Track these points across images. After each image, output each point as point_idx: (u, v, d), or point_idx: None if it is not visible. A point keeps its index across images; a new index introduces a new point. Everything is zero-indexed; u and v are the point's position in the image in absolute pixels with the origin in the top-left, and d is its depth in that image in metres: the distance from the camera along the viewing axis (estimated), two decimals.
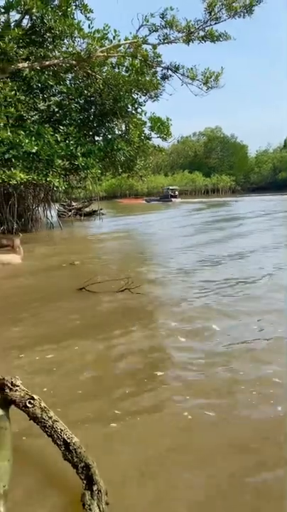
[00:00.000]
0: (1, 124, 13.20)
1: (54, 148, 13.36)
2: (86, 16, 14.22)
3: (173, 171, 76.56)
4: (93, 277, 6.44)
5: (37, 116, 14.94)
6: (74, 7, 14.05)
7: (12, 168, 13.21)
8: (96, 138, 16.77)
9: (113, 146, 14.97)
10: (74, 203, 25.13)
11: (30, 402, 2.18)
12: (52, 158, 13.33)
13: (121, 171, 17.74)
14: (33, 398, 2.19)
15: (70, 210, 23.85)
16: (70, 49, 14.33)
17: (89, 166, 14.14)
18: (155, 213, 30.23)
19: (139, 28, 14.38)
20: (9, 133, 13.08)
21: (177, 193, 49.51)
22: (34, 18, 14.21)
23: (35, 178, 13.58)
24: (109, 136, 16.22)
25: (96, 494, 1.78)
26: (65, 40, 14.49)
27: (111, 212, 26.93)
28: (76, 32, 13.79)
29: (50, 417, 2.11)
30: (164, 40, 14.26)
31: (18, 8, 14.12)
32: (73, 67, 14.48)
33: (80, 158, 13.78)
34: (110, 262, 9.11)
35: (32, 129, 13.90)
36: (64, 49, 14.67)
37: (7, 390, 2.29)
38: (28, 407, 2.17)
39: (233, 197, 56.29)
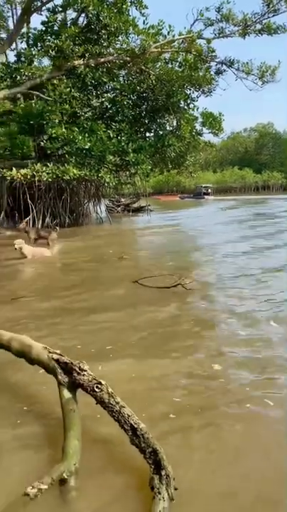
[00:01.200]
0: (56, 121, 13.59)
1: (106, 144, 13.59)
2: (141, 12, 14.31)
3: (222, 168, 75.37)
4: (145, 271, 6.50)
5: (90, 113, 15.22)
6: (129, 4, 14.16)
7: (66, 164, 13.59)
8: (147, 134, 16.83)
9: (164, 142, 15.00)
10: (122, 199, 25.46)
11: (97, 387, 2.25)
12: (104, 154, 13.56)
13: (170, 167, 17.76)
14: (100, 383, 2.27)
15: (119, 206, 24.19)
16: (124, 45, 14.47)
17: (139, 162, 14.27)
18: (193, 209, 30.27)
19: (194, 23, 14.27)
20: (64, 129, 13.44)
21: (210, 190, 50.35)
22: (90, 15, 14.45)
23: (88, 173, 13.88)
24: (160, 132, 16.25)
25: (164, 479, 1.83)
26: (120, 37, 14.63)
27: (156, 208, 26.89)
28: (131, 28, 13.91)
29: (117, 403, 2.18)
30: (219, 34, 14.06)
31: (75, 7, 14.48)
32: (127, 63, 14.61)
33: (131, 154, 13.93)
34: (159, 256, 9.15)
35: (85, 125, 14.20)
36: (118, 46, 14.82)
37: (75, 374, 2.39)
38: (95, 392, 2.24)
39: (284, 194, 54.55)
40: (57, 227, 12.09)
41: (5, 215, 16.05)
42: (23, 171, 13.37)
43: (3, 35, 17.54)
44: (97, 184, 17.28)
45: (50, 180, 13.60)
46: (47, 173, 13.43)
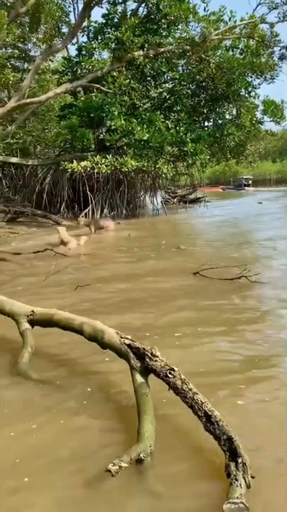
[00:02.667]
0: (116, 113, 13.74)
1: (164, 135, 13.55)
2: (202, 0, 14.04)
3: (282, 157, 72.40)
4: (204, 262, 6.45)
5: (149, 104, 15.25)
6: None
7: (124, 156, 13.74)
8: (206, 123, 16.59)
9: (223, 131, 14.73)
10: (178, 190, 25.33)
11: (170, 373, 2.28)
12: (162, 145, 13.53)
13: (229, 156, 17.40)
14: (173, 369, 2.30)
15: (174, 197, 24.09)
16: (184, 34, 14.29)
17: (197, 152, 14.10)
18: (240, 199, 29.82)
19: (257, 7, 13.86)
20: (123, 121, 13.57)
21: (250, 182, 52.29)
22: (150, 5, 14.44)
23: (145, 165, 13.94)
24: (220, 121, 15.95)
25: (241, 466, 1.83)
26: (179, 26, 14.47)
27: (211, 199, 26.47)
28: (191, 16, 13.72)
29: (191, 389, 2.20)
30: (284, 17, 13.49)
31: None
32: (186, 52, 14.44)
33: (189, 144, 13.79)
34: (216, 248, 9.04)
35: (144, 116, 14.24)
36: (178, 35, 14.68)
37: (147, 360, 2.44)
38: (168, 377, 2.28)
39: None
40: (119, 221, 12.29)
41: (65, 206, 16.56)
42: (83, 164, 13.68)
43: (65, 30, 17.92)
44: (154, 175, 17.32)
45: (108, 172, 13.81)
46: (106, 165, 13.65)
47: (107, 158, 13.67)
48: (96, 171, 13.81)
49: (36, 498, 1.86)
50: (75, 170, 13.66)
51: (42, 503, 1.82)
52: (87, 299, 5.06)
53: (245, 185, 50.18)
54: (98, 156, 13.83)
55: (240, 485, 1.77)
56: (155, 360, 2.41)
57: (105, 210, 15.96)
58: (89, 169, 13.78)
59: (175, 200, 23.26)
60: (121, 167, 13.58)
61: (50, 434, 2.34)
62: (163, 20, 14.36)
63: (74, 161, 13.81)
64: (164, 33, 14.78)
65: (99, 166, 13.61)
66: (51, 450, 2.19)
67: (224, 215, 17.14)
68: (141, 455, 1.96)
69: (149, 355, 2.44)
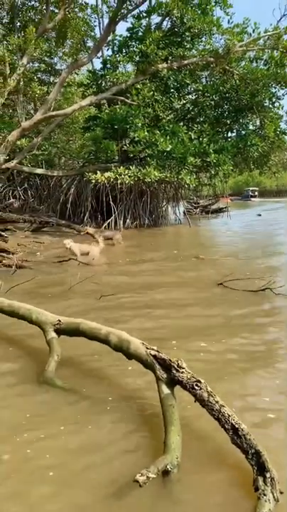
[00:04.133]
0: (139, 125, 13.92)
1: (187, 146, 13.63)
2: (225, 12, 14.16)
3: None
4: (229, 273, 6.42)
5: (172, 116, 15.37)
6: (213, 4, 14.07)
7: (147, 167, 13.86)
8: (229, 134, 16.59)
9: (246, 142, 14.68)
10: (200, 201, 25.31)
11: (197, 385, 2.29)
12: (185, 156, 13.60)
13: (253, 167, 17.33)
14: (199, 381, 2.30)
15: (196, 208, 24.08)
16: (208, 46, 14.39)
17: (220, 163, 14.11)
18: (252, 209, 29.80)
19: (281, 18, 13.84)
20: (146, 132, 13.73)
21: (256, 193, 55.81)
22: (174, 19, 14.63)
23: (168, 175, 14.03)
24: (243, 132, 15.91)
25: (269, 481, 1.81)
26: (203, 38, 14.60)
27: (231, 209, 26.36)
28: (215, 29, 13.82)
29: (217, 401, 2.20)
30: None
31: (160, 11, 14.71)
32: (210, 64, 14.53)
33: (212, 155, 13.81)
34: (239, 258, 8.99)
35: (167, 128, 14.37)
36: (201, 47, 14.78)
37: (173, 371, 2.45)
38: (195, 389, 2.28)
39: None
40: (121, 228, 12.25)
41: (89, 216, 16.75)
42: (106, 174, 13.86)
43: (90, 44, 18.32)
44: (176, 186, 17.37)
45: (131, 182, 13.94)
46: (129, 176, 13.78)
47: (130, 169, 13.81)
48: (119, 181, 13.96)
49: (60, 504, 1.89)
50: (99, 181, 13.84)
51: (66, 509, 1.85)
52: (111, 308, 5.10)
53: (251, 196, 53.58)
54: (121, 167, 13.99)
55: (268, 500, 1.75)
56: (182, 372, 2.42)
57: (128, 220, 16.07)
58: (112, 180, 13.95)
59: (197, 210, 23.23)
60: (144, 178, 13.69)
61: (74, 442, 2.37)
62: (186, 33, 14.52)
63: (98, 172, 14.01)
64: (188, 46, 14.93)
65: (123, 176, 13.75)
66: (76, 458, 2.22)
67: (245, 225, 17.01)
68: (168, 467, 1.97)
69: (175, 366, 2.45)
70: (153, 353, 2.65)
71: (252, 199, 51.81)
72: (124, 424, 2.52)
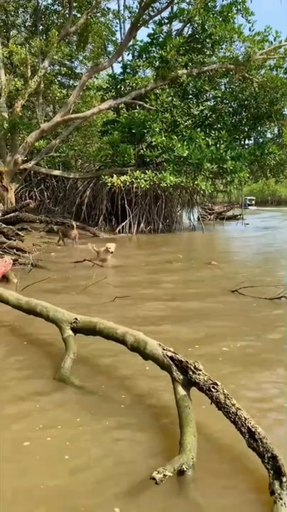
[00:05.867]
0: (157, 129, 14.00)
1: (204, 152, 13.65)
2: (247, 20, 14.20)
3: None
4: (239, 280, 6.40)
5: (190, 121, 15.40)
6: (235, 11, 14.12)
7: (163, 172, 13.91)
8: (247, 141, 16.56)
9: (264, 150, 14.64)
10: (215, 207, 25.27)
11: (213, 387, 2.29)
12: (202, 162, 13.62)
13: (269, 175, 17.26)
14: (216, 384, 2.31)
15: (211, 214, 24.04)
16: (228, 53, 14.43)
17: (237, 170, 14.09)
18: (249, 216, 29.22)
19: None
20: (163, 138, 13.80)
21: (253, 202, 58.22)
22: (195, 25, 14.71)
23: (184, 181, 14.05)
24: (261, 140, 15.88)
25: (285, 485, 1.81)
26: (224, 45, 14.64)
27: (248, 215, 26.23)
28: (236, 36, 13.86)
29: (233, 404, 2.20)
30: None
31: (181, 18, 14.82)
32: (230, 71, 14.57)
33: (229, 162, 13.80)
34: (252, 265, 8.94)
35: (184, 133, 14.42)
36: (222, 54, 14.83)
37: (190, 373, 2.46)
38: (211, 392, 2.29)
39: None
40: (75, 224, 12.10)
41: (103, 219, 16.85)
42: (122, 178, 13.95)
43: (110, 49, 18.52)
44: (192, 191, 17.38)
45: (147, 187, 14.00)
46: (145, 180, 13.85)
47: (146, 174, 13.87)
48: (135, 185, 14.04)
49: (78, 499, 1.91)
50: (115, 184, 13.93)
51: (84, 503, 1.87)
52: (124, 311, 5.12)
53: (249, 205, 55.51)
54: (137, 171, 14.06)
55: (284, 504, 1.75)
56: (199, 374, 2.42)
57: (142, 224, 16.12)
58: (128, 183, 14.03)
59: (212, 216, 23.20)
60: (159, 182, 13.74)
61: (87, 438, 2.39)
62: (207, 40, 14.58)
63: (114, 175, 14.10)
64: (208, 52, 15.02)
65: (139, 180, 13.82)
66: (89, 455, 2.24)
67: (261, 233, 16.92)
68: (184, 466, 1.98)
69: (192, 368, 2.46)
70: (169, 354, 2.66)
71: (249, 207, 54.27)
72: (139, 426, 2.53)
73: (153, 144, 14.05)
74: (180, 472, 1.99)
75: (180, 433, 2.21)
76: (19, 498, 1.93)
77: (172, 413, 2.46)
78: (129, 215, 15.86)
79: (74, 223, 12.02)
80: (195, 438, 2.16)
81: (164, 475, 1.80)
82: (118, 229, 15.69)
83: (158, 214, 16.71)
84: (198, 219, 19.36)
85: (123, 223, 15.83)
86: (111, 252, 8.60)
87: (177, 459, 1.98)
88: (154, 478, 1.78)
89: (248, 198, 59.39)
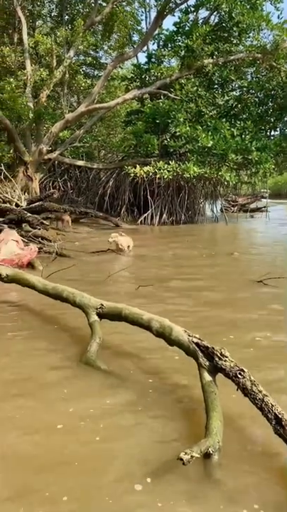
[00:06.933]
0: (181, 120, 13.87)
1: (229, 142, 13.48)
2: (275, 7, 13.87)
3: None
4: (268, 272, 6.33)
5: (215, 111, 15.21)
6: None
7: (187, 162, 13.81)
8: (273, 132, 16.27)
9: None
10: (239, 199, 24.95)
11: (240, 374, 2.30)
12: (226, 153, 13.47)
13: None
14: (243, 370, 2.31)
15: (234, 206, 23.76)
16: (255, 42, 14.14)
17: (262, 161, 13.88)
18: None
19: None
20: (188, 128, 13.67)
21: (267, 194, 55.45)
22: (222, 13, 14.46)
23: (208, 172, 13.92)
24: None
25: None
26: (251, 33, 14.34)
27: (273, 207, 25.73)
28: (264, 24, 13.55)
29: (260, 391, 2.20)
30: None
31: (208, 6, 14.57)
32: (257, 60, 14.29)
33: (254, 153, 13.60)
34: (274, 256, 8.84)
35: (209, 123, 14.25)
36: (249, 42, 14.54)
37: (216, 359, 2.47)
38: (238, 378, 2.29)
39: None
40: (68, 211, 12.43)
41: (125, 209, 16.89)
42: (145, 169, 13.91)
43: (135, 38, 18.38)
44: (215, 183, 17.20)
45: (170, 177, 13.93)
46: (169, 171, 13.78)
47: (170, 164, 13.80)
48: (158, 176, 13.99)
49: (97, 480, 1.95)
50: (138, 175, 13.91)
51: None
52: (148, 299, 5.14)
53: (262, 197, 55.71)
54: (161, 162, 14.00)
55: None
56: (225, 360, 2.43)
57: (164, 216, 16.07)
58: (151, 174, 13.99)
59: (235, 208, 22.93)
60: (183, 173, 13.65)
61: (117, 421, 2.43)
62: (234, 28, 14.31)
63: (137, 165, 14.08)
64: (235, 41, 14.74)
65: (162, 171, 13.77)
66: (117, 436, 2.29)
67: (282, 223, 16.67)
68: (210, 449, 2.00)
69: (218, 354, 2.47)
70: (195, 340, 2.68)
71: (262, 199, 54.69)
72: (165, 409, 2.56)
73: (177, 134, 13.94)
74: (206, 455, 2.01)
75: (206, 418, 2.23)
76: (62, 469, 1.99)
77: (199, 399, 2.47)
78: (151, 206, 15.84)
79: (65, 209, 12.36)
80: (221, 423, 2.18)
81: (191, 456, 1.82)
82: (140, 220, 15.70)
83: (180, 205, 16.62)
84: (221, 211, 19.18)
85: (146, 214, 15.82)
86: (128, 247, 8.67)
87: (204, 442, 2.00)
88: (181, 459, 1.80)
89: (262, 190, 58.64)
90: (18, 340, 3.69)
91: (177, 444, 2.15)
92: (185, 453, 1.83)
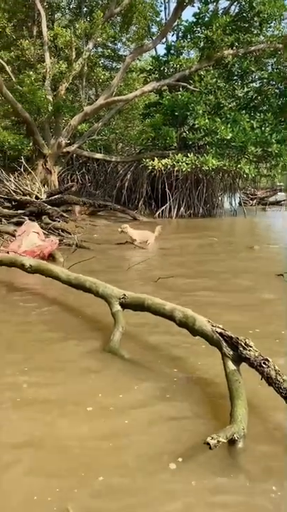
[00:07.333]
0: (200, 112, 13.78)
1: (248, 134, 13.34)
2: None
3: None
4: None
5: (234, 103, 15.07)
6: None
7: (205, 155, 13.73)
8: None
9: None
10: (257, 192, 24.71)
11: (264, 363, 2.32)
12: (246, 145, 13.34)
13: None
14: (267, 360, 2.33)
15: (253, 199, 23.54)
16: (277, 32, 13.92)
17: (282, 154, 13.72)
18: None
19: None
20: (207, 120, 13.57)
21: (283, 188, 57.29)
22: (243, 3, 14.25)
23: (227, 164, 13.82)
24: None
25: None
26: (272, 23, 14.11)
27: None
28: (285, 13, 13.33)
29: (285, 380, 2.22)
30: None
31: None
32: (278, 51, 14.06)
33: (274, 145, 13.43)
34: None
35: (228, 115, 14.12)
36: (270, 32, 14.32)
37: (241, 349, 2.49)
38: (262, 367, 2.31)
39: None
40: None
41: (143, 202, 16.90)
42: (164, 161, 13.89)
43: (154, 30, 18.24)
44: (234, 175, 17.07)
45: (189, 170, 13.88)
46: (187, 164, 13.73)
47: (188, 157, 13.74)
48: (176, 169, 13.95)
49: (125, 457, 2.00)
50: (156, 167, 13.90)
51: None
52: (169, 291, 5.17)
53: None
54: (179, 155, 13.95)
55: None
56: (249, 350, 2.45)
57: (182, 209, 16.03)
58: (169, 167, 13.96)
59: (254, 202, 22.71)
60: (201, 166, 13.59)
61: (144, 406, 2.49)
62: (255, 18, 14.10)
63: (156, 158, 14.07)
64: (255, 31, 14.53)
65: (180, 164, 13.73)
66: (146, 421, 2.34)
67: None
68: (235, 436, 2.03)
69: (243, 344, 2.49)
70: (219, 330, 2.70)
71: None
72: (190, 395, 2.60)
73: (196, 126, 13.86)
74: (231, 441, 2.04)
75: (230, 405, 2.26)
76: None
77: (224, 387, 2.50)
78: (169, 199, 15.81)
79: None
80: (245, 410, 2.20)
81: (218, 441, 1.86)
82: (158, 213, 15.70)
83: (198, 198, 16.55)
84: (240, 204, 19.03)
85: (163, 207, 15.81)
86: (146, 242, 8.69)
87: (229, 428, 2.04)
88: (208, 444, 1.84)
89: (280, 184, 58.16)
90: (40, 330, 3.77)
91: (204, 428, 2.19)
92: (212, 438, 1.86)
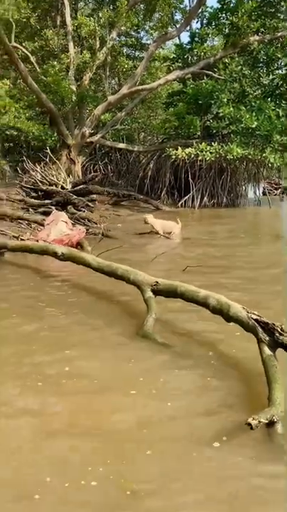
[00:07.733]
0: (225, 100, 13.62)
1: (274, 123, 13.14)
2: None
3: None
4: None
5: (259, 91, 14.82)
6: None
7: (229, 144, 13.60)
8: None
9: None
10: (282, 182, 24.30)
11: None
12: (271, 134, 13.16)
13: None
14: None
15: (277, 189, 23.19)
16: None
17: None
18: None
19: None
20: (231, 108, 13.42)
21: None
22: None
23: (251, 153, 13.65)
24: None
25: None
26: None
27: None
28: None
29: None
30: None
31: None
32: None
33: None
34: None
35: (253, 104, 13.92)
36: None
37: (277, 334, 2.52)
38: None
39: None
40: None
41: (165, 192, 16.85)
42: (187, 150, 13.82)
43: (177, 17, 18.02)
44: (258, 165, 16.84)
45: (213, 159, 13.78)
46: (211, 153, 13.63)
47: (212, 146, 13.62)
48: (199, 158, 13.86)
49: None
50: (179, 157, 13.84)
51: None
52: (197, 280, 5.19)
53: None
54: (203, 144, 13.85)
55: None
56: (286, 336, 2.48)
57: (205, 198, 15.93)
58: (192, 156, 13.87)
59: (278, 191, 22.38)
60: (225, 155, 13.47)
61: (186, 389, 2.57)
62: (281, 3, 13.80)
63: (179, 147, 13.99)
64: (282, 17, 14.20)
65: (204, 153, 13.63)
66: (186, 405, 2.41)
67: None
68: (274, 417, 2.07)
69: (279, 330, 2.52)
70: (254, 316, 2.73)
71: None
72: (228, 380, 2.65)
73: (220, 115, 13.73)
74: (270, 423, 2.09)
75: (268, 389, 2.30)
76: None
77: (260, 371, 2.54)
78: (193, 189, 15.73)
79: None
80: (283, 394, 2.24)
81: (259, 421, 1.91)
82: (180, 202, 15.65)
83: (222, 188, 16.40)
84: (264, 193, 18.78)
85: (186, 197, 15.74)
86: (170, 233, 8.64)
87: (268, 410, 2.08)
88: (250, 424, 1.89)
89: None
90: (74, 317, 3.86)
91: (243, 411, 2.24)
92: (253, 418, 1.91)
